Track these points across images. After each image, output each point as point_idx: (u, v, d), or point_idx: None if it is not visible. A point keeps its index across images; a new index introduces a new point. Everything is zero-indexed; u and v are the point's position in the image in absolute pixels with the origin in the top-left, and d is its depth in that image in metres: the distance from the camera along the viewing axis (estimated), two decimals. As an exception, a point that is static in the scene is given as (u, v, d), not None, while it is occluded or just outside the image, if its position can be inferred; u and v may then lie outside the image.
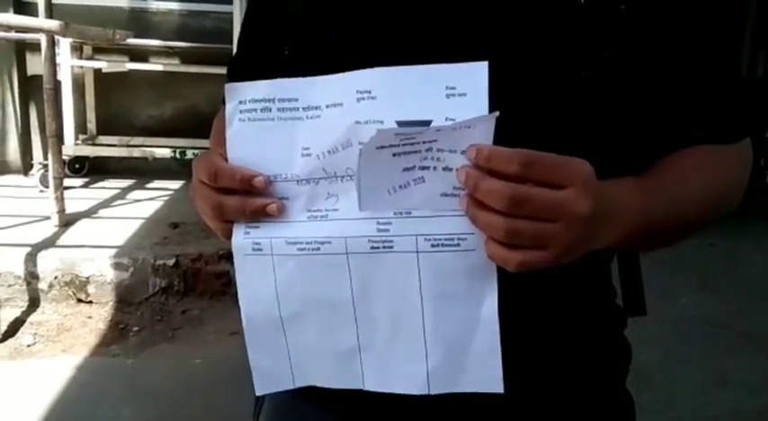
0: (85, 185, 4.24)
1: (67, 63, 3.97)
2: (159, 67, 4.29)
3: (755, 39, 5.23)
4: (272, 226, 0.57)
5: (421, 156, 0.49)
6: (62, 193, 3.21)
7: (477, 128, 0.48)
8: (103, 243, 3.03)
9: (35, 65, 4.21)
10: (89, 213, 3.53)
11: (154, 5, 4.52)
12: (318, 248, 0.55)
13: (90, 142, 4.41)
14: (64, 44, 3.89)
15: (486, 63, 0.49)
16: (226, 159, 0.58)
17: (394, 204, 0.51)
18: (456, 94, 0.49)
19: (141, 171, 4.53)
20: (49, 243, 2.99)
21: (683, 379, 2.44)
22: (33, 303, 2.82)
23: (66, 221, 3.25)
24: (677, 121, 0.64)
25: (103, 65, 4.13)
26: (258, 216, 0.56)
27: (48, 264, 2.85)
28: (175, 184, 4.32)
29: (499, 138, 0.49)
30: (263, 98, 0.56)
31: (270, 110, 0.56)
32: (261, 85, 0.56)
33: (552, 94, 0.59)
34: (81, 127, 4.40)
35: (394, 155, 0.49)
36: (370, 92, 0.51)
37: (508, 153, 0.47)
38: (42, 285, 2.84)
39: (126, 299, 2.87)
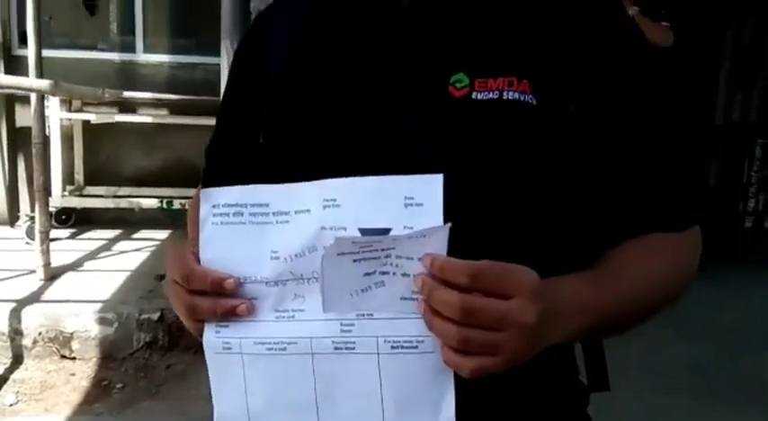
0: (72, 236, 4.25)
1: (56, 116, 4.02)
2: (148, 119, 4.34)
3: (731, 84, 5.38)
4: (241, 325, 0.59)
5: (380, 262, 0.52)
6: (48, 247, 3.22)
7: (431, 237, 0.51)
8: (89, 297, 3.03)
9: (24, 117, 4.26)
10: (75, 266, 3.53)
11: (143, 58, 4.61)
12: (285, 348, 0.58)
13: (77, 193, 4.43)
14: (53, 98, 3.94)
15: (440, 175, 0.53)
16: (198, 258, 0.61)
17: (356, 307, 0.54)
18: (414, 203, 0.53)
19: (128, 221, 4.54)
20: (34, 298, 2.99)
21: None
22: (17, 360, 2.80)
23: (52, 275, 3.25)
24: (628, 212, 0.68)
25: (92, 117, 4.18)
26: (228, 316, 0.59)
27: (32, 319, 2.84)
28: (162, 234, 4.33)
29: (458, 240, 0.52)
30: (235, 203, 0.59)
31: (242, 214, 0.59)
32: (234, 190, 0.60)
33: (508, 194, 0.63)
34: (68, 178, 4.43)
35: (354, 260, 0.52)
36: (335, 200, 0.55)
37: (459, 265, 0.50)
38: (26, 341, 2.82)
39: (110, 354, 2.86)
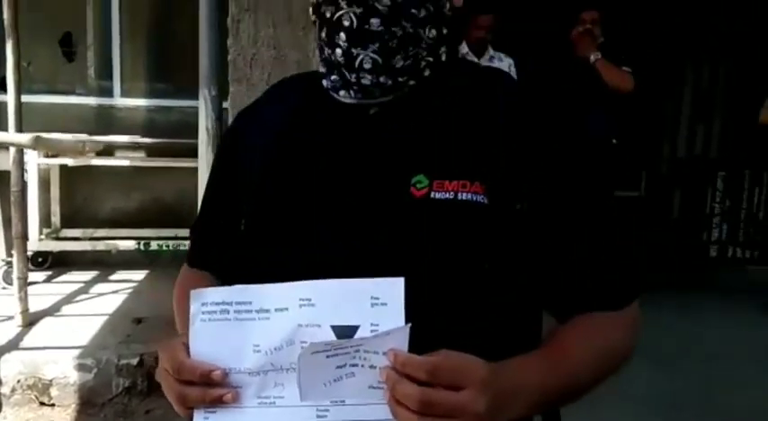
0: (48, 280, 4.25)
1: (34, 161, 4.05)
2: (125, 163, 4.39)
3: (692, 119, 5.60)
4: (227, 411, 0.67)
5: (350, 356, 0.61)
6: (26, 293, 3.23)
7: (394, 335, 0.60)
8: (67, 343, 3.05)
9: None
10: (52, 311, 3.54)
11: (120, 102, 4.67)
12: None
13: (54, 235, 4.44)
14: (31, 143, 3.98)
15: (402, 279, 0.62)
16: (188, 350, 0.68)
17: (330, 395, 0.62)
18: (379, 303, 0.62)
19: (105, 262, 4.54)
20: (13, 345, 3.00)
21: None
22: (-6, 408, 2.81)
23: (30, 321, 3.27)
24: (571, 296, 0.78)
25: (70, 161, 4.21)
26: (216, 404, 0.67)
27: (11, 367, 2.85)
28: (139, 275, 4.36)
29: (420, 329, 0.61)
30: (222, 301, 0.67)
31: (228, 312, 0.67)
32: (221, 290, 0.68)
33: (464, 286, 0.72)
34: (45, 220, 4.44)
35: (328, 356, 0.60)
36: (310, 300, 0.63)
37: (418, 362, 0.59)
38: (5, 389, 2.83)
39: (89, 400, 2.87)
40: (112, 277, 4.34)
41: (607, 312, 0.78)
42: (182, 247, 4.31)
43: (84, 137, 4.15)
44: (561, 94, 0.82)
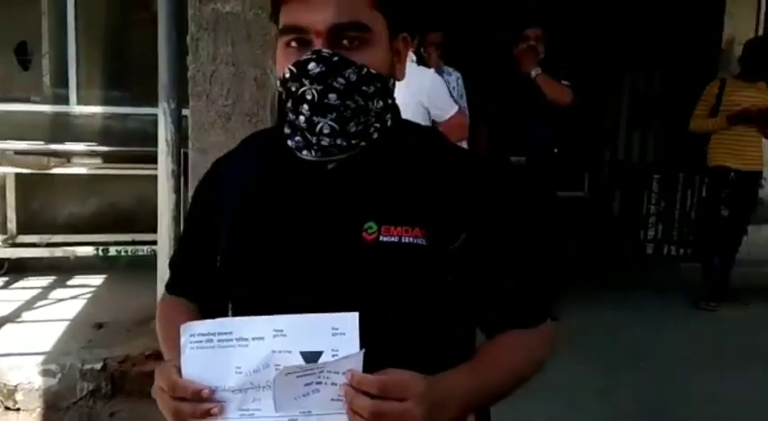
0: (5, 286, 4.28)
1: (-9, 169, 4.09)
2: (83, 170, 4.44)
3: (630, 125, 5.92)
4: None
5: (316, 376, 0.78)
6: (-12, 302, 3.30)
7: (351, 359, 0.78)
8: (30, 349, 3.13)
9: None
10: (13, 317, 3.61)
11: (77, 109, 4.72)
12: None
13: (10, 242, 4.47)
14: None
15: (356, 313, 0.79)
16: (180, 372, 0.84)
17: (299, 407, 0.79)
18: (338, 333, 0.79)
19: (62, 268, 4.57)
20: (-24, 352, 3.07)
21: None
22: (-40, 414, 2.88)
23: (-9, 328, 3.34)
24: (496, 316, 0.98)
25: (27, 170, 4.25)
26: (205, 417, 0.83)
27: (-25, 374, 2.93)
28: (97, 280, 4.42)
29: (373, 349, 0.79)
30: (207, 332, 0.83)
31: (212, 341, 0.83)
32: (206, 323, 0.84)
33: (409, 315, 0.90)
34: (1, 227, 4.47)
35: (297, 377, 0.78)
36: (282, 330, 0.81)
37: (370, 380, 0.77)
38: (-31, 396, 2.91)
39: (54, 405, 2.97)
40: (70, 282, 4.39)
41: (524, 330, 0.98)
42: (140, 253, 4.42)
43: (43, 147, 4.19)
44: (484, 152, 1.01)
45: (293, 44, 0.92)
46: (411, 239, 0.90)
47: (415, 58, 3.29)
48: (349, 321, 0.79)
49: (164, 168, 3.47)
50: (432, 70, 3.26)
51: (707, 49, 5.64)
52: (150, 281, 4.08)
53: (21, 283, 4.35)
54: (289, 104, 0.94)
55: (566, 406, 3.07)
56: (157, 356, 3.11)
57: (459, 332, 0.99)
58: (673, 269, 5.57)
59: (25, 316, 3.68)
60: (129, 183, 4.67)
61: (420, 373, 0.82)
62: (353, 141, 0.94)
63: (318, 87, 0.89)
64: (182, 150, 3.50)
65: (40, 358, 3.05)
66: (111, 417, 2.95)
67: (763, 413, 3.08)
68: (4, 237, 4.50)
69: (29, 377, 2.98)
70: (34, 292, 4.11)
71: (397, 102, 1.02)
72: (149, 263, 4.50)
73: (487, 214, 0.94)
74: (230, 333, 0.82)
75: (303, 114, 0.92)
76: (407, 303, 0.91)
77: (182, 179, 3.49)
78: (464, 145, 3.76)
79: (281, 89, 0.96)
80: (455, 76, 4.10)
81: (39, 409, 2.96)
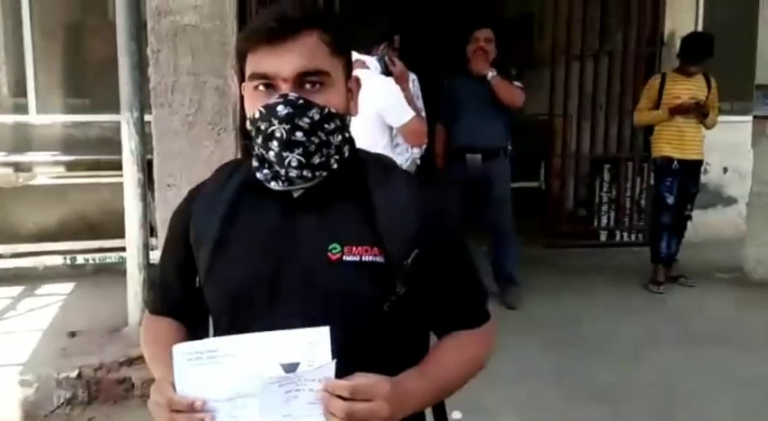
0: (-27, 298, 4.31)
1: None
2: (47, 181, 4.48)
3: (579, 115, 6.14)
4: None
5: (295, 384, 0.91)
6: (-41, 315, 3.35)
7: (325, 368, 0.91)
8: (4, 359, 3.20)
9: None
10: (-16, 329, 3.65)
11: (37, 119, 4.74)
12: None
13: (-25, 253, 4.49)
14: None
15: (327, 328, 0.92)
16: (174, 387, 0.96)
17: (281, 411, 0.92)
18: (314, 344, 0.93)
19: (29, 277, 4.60)
20: (-49, 365, 3.12)
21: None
22: (-63, 427, 2.94)
23: (-37, 341, 3.39)
24: (444, 320, 1.14)
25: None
26: None
27: (-49, 387, 2.98)
28: (66, 288, 4.47)
29: (343, 357, 0.92)
30: (196, 351, 0.95)
31: (201, 358, 0.95)
32: (195, 343, 0.96)
33: (368, 324, 1.04)
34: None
35: (279, 385, 0.91)
36: (263, 345, 0.93)
37: (342, 385, 0.91)
38: (-54, 409, 2.96)
39: (32, 414, 3.04)
40: (39, 291, 4.43)
41: (468, 330, 1.13)
42: (107, 260, 4.47)
43: (5, 158, 4.21)
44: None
45: (261, 88, 1.04)
46: (371, 258, 1.04)
47: (379, 66, 3.32)
48: (321, 335, 0.92)
49: (130, 177, 3.55)
50: (385, 78, 3.25)
51: (650, 43, 5.89)
52: (119, 287, 4.15)
53: (-12, 294, 4.37)
54: (258, 141, 1.06)
55: (529, 393, 3.24)
56: (130, 363, 3.22)
57: (414, 335, 1.13)
58: (625, 254, 5.82)
59: (-4, 327, 3.72)
60: (92, 190, 4.72)
61: (382, 374, 0.97)
62: (317, 173, 1.06)
63: (286, 126, 1.02)
64: (146, 157, 3.58)
65: (16, 368, 3.12)
66: (89, 423, 3.04)
67: (704, 384, 3.31)
68: (-31, 249, 4.51)
69: (5, 387, 3.05)
70: (2, 304, 4.15)
71: (359, 112, 1.15)
72: (117, 269, 4.58)
73: (434, 233, 1.08)
74: (216, 350, 0.95)
75: (273, 150, 1.04)
76: (368, 312, 1.04)
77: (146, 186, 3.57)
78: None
79: (250, 127, 1.07)
80: (411, 78, 4.24)
81: (17, 419, 3.03)
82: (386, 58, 3.33)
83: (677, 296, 4.70)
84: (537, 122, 6.72)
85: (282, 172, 1.05)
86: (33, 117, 4.76)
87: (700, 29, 5.89)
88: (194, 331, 1.20)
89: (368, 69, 3.20)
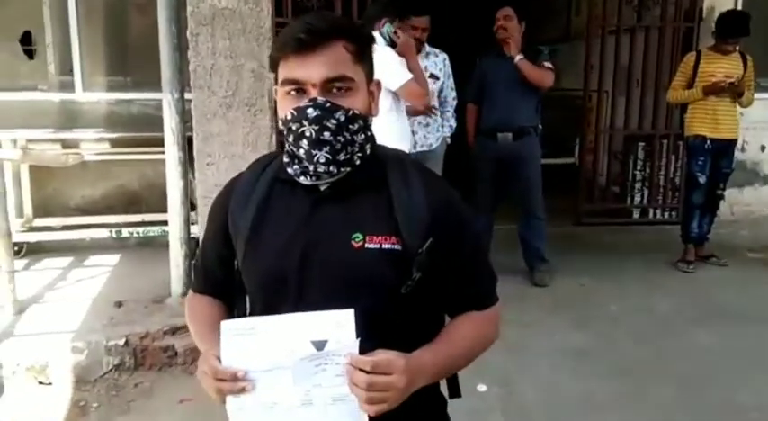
0: (26, 268, 4.55)
1: (5, 158, 4.31)
2: (93, 157, 4.68)
3: (614, 92, 6.08)
4: (248, 396, 1.08)
5: (323, 359, 1.04)
6: (15, 286, 3.57)
7: (350, 345, 1.03)
8: (57, 327, 3.42)
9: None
10: (37, 298, 3.89)
11: (83, 96, 4.93)
12: (272, 406, 1.07)
13: (27, 225, 4.73)
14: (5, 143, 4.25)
15: (352, 310, 1.04)
16: (219, 358, 1.09)
17: (312, 381, 1.05)
18: (340, 324, 1.05)
19: (77, 248, 4.84)
20: (9, 332, 3.35)
21: (557, 405, 3.04)
22: (-2, 389, 3.18)
23: (20, 309, 3.61)
24: (456, 301, 1.25)
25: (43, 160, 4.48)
26: (241, 392, 1.08)
27: (10, 352, 3.21)
28: (112, 260, 4.71)
29: (366, 336, 1.04)
30: (240, 328, 1.08)
31: (243, 334, 1.08)
32: (239, 321, 1.10)
33: (389, 305, 1.16)
34: (18, 211, 4.72)
35: (310, 360, 1.04)
36: (297, 325, 1.06)
37: (365, 360, 1.03)
38: (6, 372, 3.19)
39: (83, 378, 3.26)
40: (86, 262, 4.67)
41: (477, 312, 1.24)
42: (150, 233, 4.68)
43: (52, 134, 4.41)
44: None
45: (292, 93, 1.15)
46: (390, 246, 1.15)
47: (383, 40, 3.47)
48: (347, 317, 1.05)
49: (171, 156, 3.71)
50: (385, 47, 3.42)
51: (688, 18, 5.80)
52: (161, 259, 4.37)
53: (40, 265, 4.62)
54: (290, 139, 1.17)
55: (554, 368, 3.33)
56: (173, 332, 3.41)
57: (429, 316, 1.24)
58: (657, 232, 5.82)
59: (47, 296, 3.96)
60: (135, 166, 4.92)
61: (400, 351, 1.08)
62: (342, 168, 1.17)
63: (315, 127, 1.13)
64: (186, 135, 3.74)
65: (68, 336, 3.33)
66: (135, 388, 3.24)
67: (730, 364, 3.36)
68: (22, 221, 4.75)
69: (59, 354, 3.26)
70: (54, 274, 4.39)
71: None
72: (158, 242, 4.79)
73: (446, 223, 1.19)
74: (256, 327, 1.07)
75: (303, 148, 1.15)
76: (387, 295, 1.16)
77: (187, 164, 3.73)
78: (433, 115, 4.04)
79: (283, 127, 1.19)
80: (442, 58, 4.30)
81: (69, 383, 3.25)
82: (390, 32, 3.47)
83: (708, 275, 4.71)
84: (571, 98, 6.70)
85: (311, 168, 1.16)
86: (78, 94, 4.95)
87: (739, 5, 5.78)
88: (232, 308, 1.34)
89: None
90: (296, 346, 1.04)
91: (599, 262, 4.94)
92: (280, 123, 1.20)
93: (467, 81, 4.53)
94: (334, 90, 1.14)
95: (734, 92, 4.58)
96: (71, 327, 3.45)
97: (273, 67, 1.19)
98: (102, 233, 4.59)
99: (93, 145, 4.86)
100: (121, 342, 3.34)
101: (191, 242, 3.84)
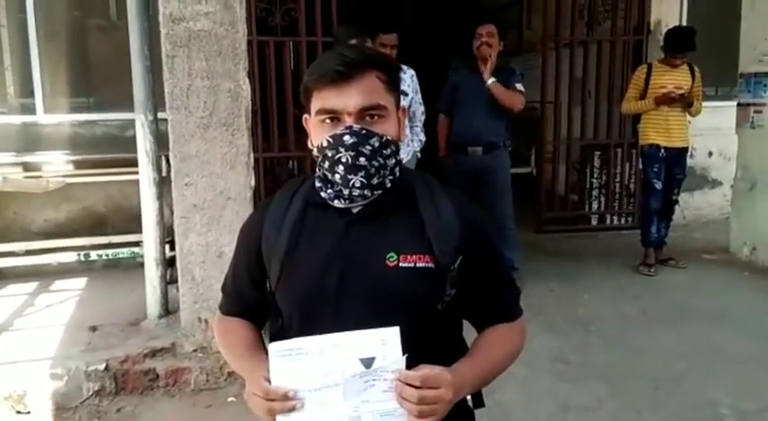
0: (-10, 294, 4.43)
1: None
2: (58, 179, 4.59)
3: (570, 102, 6.28)
4: (299, 414, 1.12)
5: (372, 376, 1.09)
6: (-15, 313, 3.49)
7: (397, 362, 1.08)
8: (32, 355, 3.35)
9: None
10: (7, 326, 3.80)
11: (44, 119, 4.84)
12: None
13: (-11, 251, 4.60)
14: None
15: (397, 328, 1.10)
16: (268, 380, 1.13)
17: (360, 397, 1.09)
18: (386, 341, 1.10)
19: (40, 272, 4.73)
20: (-19, 362, 3.27)
21: (536, 408, 3.14)
22: (-26, 421, 3.09)
23: (-10, 338, 3.53)
24: (485, 315, 1.32)
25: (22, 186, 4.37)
26: (292, 411, 1.11)
27: (-15, 382, 3.13)
28: (79, 283, 4.62)
29: (411, 353, 1.09)
30: (287, 348, 1.12)
31: (291, 355, 1.12)
32: (287, 342, 1.13)
33: (427, 323, 1.22)
34: (-22, 237, 4.60)
35: (360, 377, 1.08)
36: (344, 344, 1.10)
37: (414, 375, 1.08)
38: (-19, 403, 3.11)
39: (63, 405, 3.19)
40: (52, 287, 4.56)
41: (506, 324, 1.31)
42: (120, 255, 4.61)
43: (15, 157, 4.30)
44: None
45: (327, 121, 1.21)
46: (423, 264, 1.21)
47: None
48: (392, 333, 1.10)
49: (145, 176, 3.69)
50: None
51: (637, 31, 6.06)
52: (130, 281, 4.33)
53: (3, 292, 4.49)
54: (325, 165, 1.23)
55: (528, 371, 3.41)
56: (153, 354, 3.37)
57: (457, 330, 1.32)
58: (615, 238, 6.04)
59: (18, 323, 3.86)
60: (100, 187, 4.85)
61: (435, 363, 1.14)
62: (375, 191, 1.23)
63: (352, 153, 1.19)
64: (161, 156, 3.72)
65: (45, 363, 3.26)
66: (117, 413, 3.20)
67: (698, 362, 3.52)
68: (-18, 247, 4.62)
69: (37, 381, 3.19)
70: (21, 300, 4.28)
71: None
72: (126, 264, 4.73)
73: (474, 241, 1.26)
74: (303, 348, 1.11)
75: (338, 173, 1.21)
76: (423, 311, 1.22)
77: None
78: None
79: (317, 154, 1.24)
80: (410, 74, 4.40)
81: (49, 411, 3.18)
82: None
83: (668, 277, 4.92)
84: (527, 108, 6.89)
85: (346, 192, 1.22)
86: (41, 117, 4.85)
87: (685, 17, 6.07)
88: (261, 328, 1.39)
89: None
90: (345, 365, 1.08)
91: (564, 267, 5.11)
92: (314, 150, 1.25)
93: (437, 93, 4.64)
94: (368, 118, 1.20)
95: (684, 102, 4.81)
96: (47, 354, 3.38)
97: (306, 96, 1.24)
98: (69, 256, 4.51)
99: (56, 167, 4.77)
100: (101, 367, 3.29)
101: (166, 263, 3.82)
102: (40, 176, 4.62)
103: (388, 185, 1.25)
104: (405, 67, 4.40)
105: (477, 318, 1.33)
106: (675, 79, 4.86)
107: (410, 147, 4.39)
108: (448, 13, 8.50)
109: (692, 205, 6.28)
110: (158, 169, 3.69)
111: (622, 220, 6.37)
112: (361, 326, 1.12)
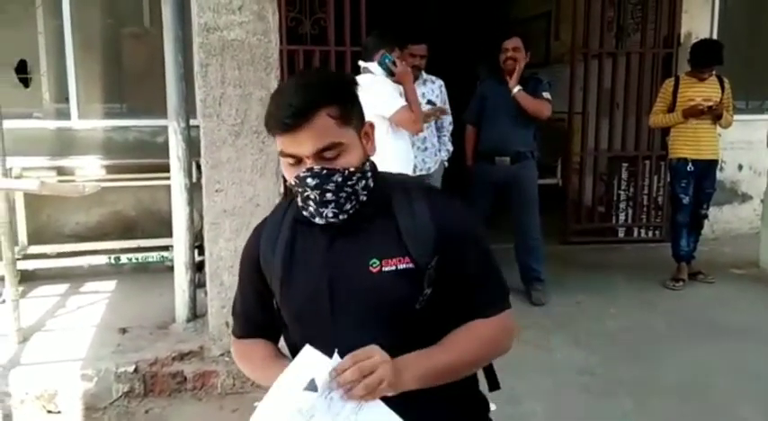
0: (23, 295, 4.50)
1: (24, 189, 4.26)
2: (92, 183, 4.67)
3: (598, 113, 6.27)
4: None
5: (324, 393, 1.14)
6: (19, 313, 3.56)
7: (328, 364, 1.15)
8: (63, 355, 3.42)
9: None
10: (39, 326, 3.87)
11: (78, 124, 4.94)
12: None
13: (22, 253, 4.70)
14: None
15: (307, 345, 1.19)
16: None
17: (332, 413, 1.14)
18: (312, 361, 1.17)
19: (71, 275, 4.82)
20: (15, 361, 3.34)
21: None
22: (7, 419, 3.15)
23: (24, 337, 3.60)
24: (464, 310, 1.33)
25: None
26: None
27: (18, 381, 3.20)
28: (109, 286, 4.69)
29: (391, 354, 1.17)
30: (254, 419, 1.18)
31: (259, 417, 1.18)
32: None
33: (408, 323, 1.27)
34: (12, 239, 4.68)
35: (316, 401, 1.14)
36: (283, 382, 1.17)
37: (344, 360, 1.15)
38: (14, 402, 3.18)
39: (93, 406, 3.26)
40: (83, 289, 4.64)
41: (480, 319, 1.32)
42: (149, 259, 4.69)
43: (49, 162, 4.40)
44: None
45: (291, 162, 1.26)
46: (404, 266, 1.26)
47: (381, 70, 3.63)
48: (310, 352, 1.18)
49: (177, 182, 3.76)
50: (379, 77, 3.59)
51: (666, 44, 6.02)
52: (159, 285, 4.39)
53: (36, 292, 4.58)
54: (299, 199, 1.30)
55: (556, 385, 3.42)
56: (182, 357, 3.42)
57: (443, 331, 1.32)
58: (642, 251, 5.98)
59: (50, 324, 3.94)
60: (131, 192, 4.94)
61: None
62: (350, 211, 1.28)
63: (317, 192, 1.25)
64: (192, 162, 3.79)
65: (76, 364, 3.33)
66: (146, 414, 3.25)
67: (725, 378, 3.47)
68: (17, 248, 4.71)
69: (67, 382, 3.26)
70: (52, 301, 4.36)
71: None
72: (155, 268, 4.81)
73: (450, 242, 1.29)
74: (262, 406, 1.18)
75: (310, 207, 1.28)
76: (405, 311, 1.26)
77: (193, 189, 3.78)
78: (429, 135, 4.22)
79: (295, 189, 1.30)
80: (438, 84, 4.43)
81: (79, 411, 3.24)
82: (387, 62, 3.60)
83: (696, 292, 4.86)
84: (551, 119, 6.87)
85: (322, 221, 1.29)
86: (74, 122, 4.96)
87: (716, 30, 6.02)
88: (277, 343, 1.46)
89: (373, 74, 3.65)
90: (298, 399, 1.14)
91: (590, 280, 5.07)
92: (290, 182, 1.30)
93: (464, 103, 4.66)
94: (327, 155, 1.24)
95: (713, 114, 4.77)
96: (78, 355, 3.45)
97: (269, 134, 1.28)
98: (100, 259, 4.58)
99: (89, 171, 4.87)
100: (131, 368, 3.34)
101: (195, 267, 3.88)
102: (74, 180, 4.74)
103: (363, 199, 1.30)
104: (433, 78, 4.44)
105: (456, 317, 1.34)
106: (704, 92, 4.82)
107: (438, 157, 4.42)
108: (476, 24, 8.55)
109: (721, 219, 6.21)
110: (189, 175, 3.75)
111: (650, 233, 6.31)
112: (356, 331, 1.22)
